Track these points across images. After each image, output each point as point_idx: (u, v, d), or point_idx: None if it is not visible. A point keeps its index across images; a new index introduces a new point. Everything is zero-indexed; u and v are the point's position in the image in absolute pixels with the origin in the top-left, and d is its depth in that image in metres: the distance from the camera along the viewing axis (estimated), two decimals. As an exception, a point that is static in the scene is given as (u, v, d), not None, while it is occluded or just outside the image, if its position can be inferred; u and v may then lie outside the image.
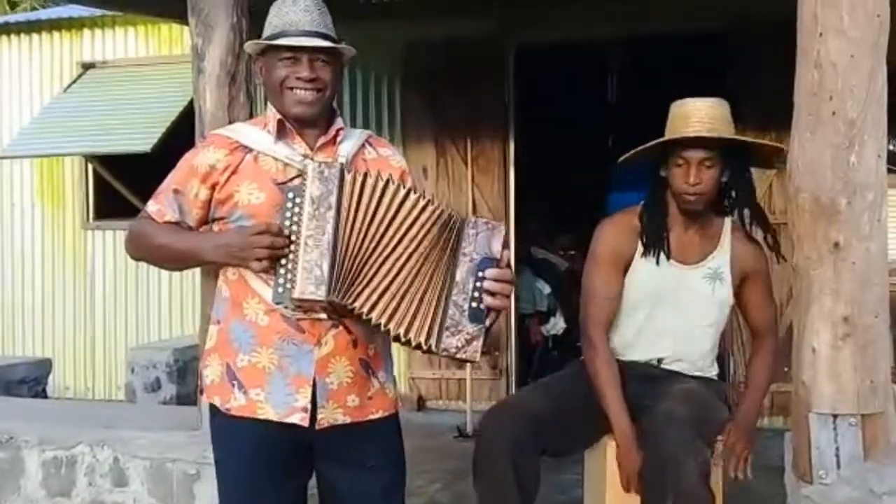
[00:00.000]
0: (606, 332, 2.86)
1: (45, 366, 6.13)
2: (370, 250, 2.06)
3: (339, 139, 2.27)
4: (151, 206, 2.28)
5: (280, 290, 2.06)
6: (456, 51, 6.00)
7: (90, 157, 7.25)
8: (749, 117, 5.34)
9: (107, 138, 6.87)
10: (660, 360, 2.87)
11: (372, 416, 2.26)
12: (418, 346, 2.09)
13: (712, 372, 2.94)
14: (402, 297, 2.06)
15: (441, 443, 5.22)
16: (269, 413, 2.18)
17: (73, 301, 7.55)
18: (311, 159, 2.17)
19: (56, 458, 3.38)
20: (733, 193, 2.83)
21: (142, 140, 6.58)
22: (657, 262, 2.81)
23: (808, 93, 2.57)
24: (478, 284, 2.07)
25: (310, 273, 2.01)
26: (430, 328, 2.07)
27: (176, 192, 2.25)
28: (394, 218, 2.07)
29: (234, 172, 2.20)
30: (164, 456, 3.21)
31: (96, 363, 7.50)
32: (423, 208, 2.08)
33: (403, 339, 2.07)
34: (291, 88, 2.20)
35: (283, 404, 2.18)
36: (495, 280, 2.08)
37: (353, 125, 6.42)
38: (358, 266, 2.05)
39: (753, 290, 2.87)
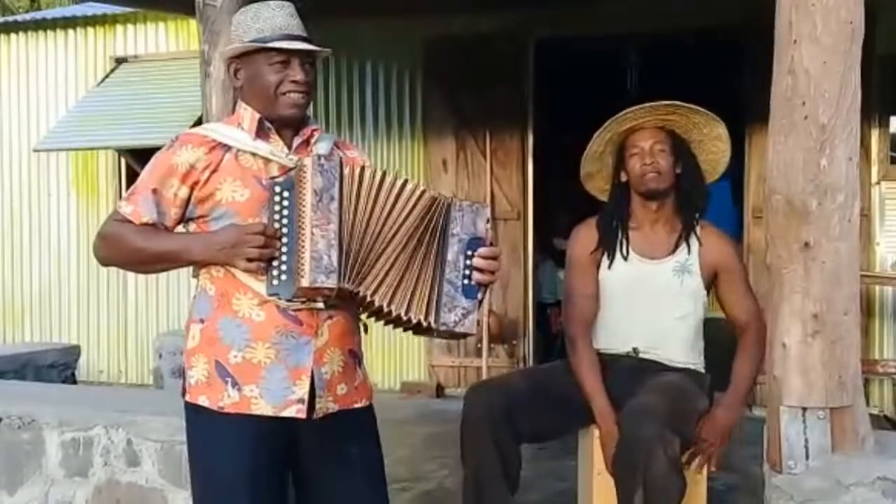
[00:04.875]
0: (587, 327, 2.98)
1: (74, 352, 6.25)
2: (373, 238, 2.12)
3: (313, 140, 2.30)
4: (125, 208, 2.21)
5: (275, 282, 2.10)
6: (476, 45, 6.05)
7: (122, 150, 7.39)
8: (764, 116, 5.37)
9: (138, 132, 6.97)
10: (635, 350, 2.98)
11: (356, 405, 2.31)
12: (418, 325, 2.17)
13: (696, 365, 3.01)
14: (401, 280, 2.14)
15: (455, 429, 5.31)
16: (263, 408, 2.16)
17: (105, 288, 7.70)
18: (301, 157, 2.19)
19: (74, 440, 3.48)
20: (690, 198, 2.96)
21: (171, 133, 6.63)
22: (609, 265, 2.95)
23: (783, 98, 2.63)
24: (468, 262, 2.18)
25: (318, 262, 2.04)
26: (429, 306, 2.16)
27: (154, 191, 2.19)
28: (393, 206, 2.14)
29: (214, 171, 2.18)
30: (174, 438, 3.27)
31: (128, 348, 7.67)
32: (420, 196, 2.16)
33: (405, 318, 2.14)
34: (286, 93, 2.22)
35: (280, 398, 2.17)
36: (483, 258, 2.19)
37: (375, 120, 6.61)
38: (363, 254, 2.11)
39: (728, 287, 2.97)
